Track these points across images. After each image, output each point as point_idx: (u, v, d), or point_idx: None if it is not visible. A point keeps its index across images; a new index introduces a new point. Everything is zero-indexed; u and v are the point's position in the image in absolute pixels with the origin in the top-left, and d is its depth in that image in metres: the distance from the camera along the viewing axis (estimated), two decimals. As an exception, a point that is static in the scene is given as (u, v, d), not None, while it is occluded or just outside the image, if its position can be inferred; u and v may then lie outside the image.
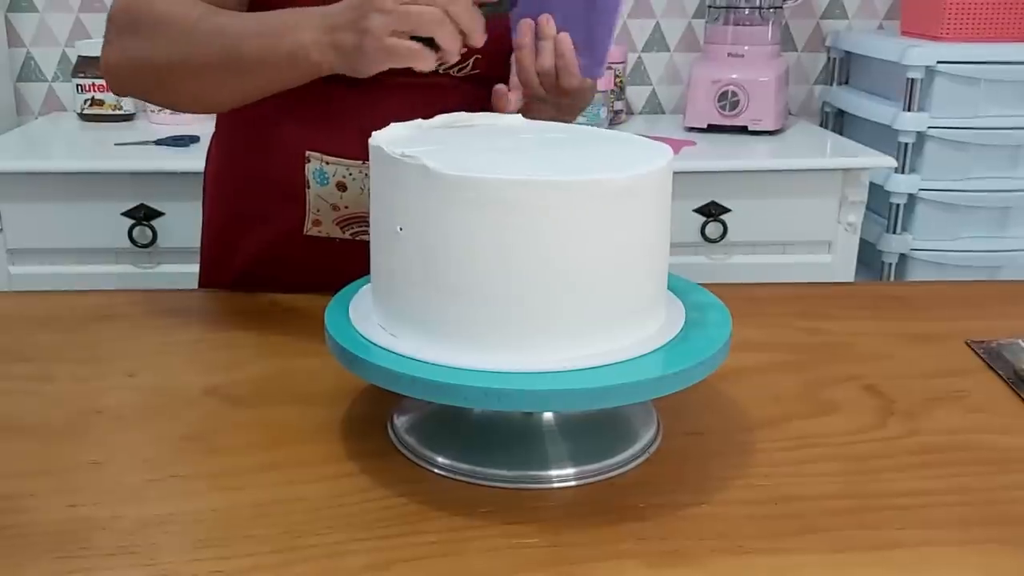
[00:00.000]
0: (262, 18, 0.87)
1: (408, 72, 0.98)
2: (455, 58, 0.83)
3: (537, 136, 0.79)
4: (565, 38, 0.93)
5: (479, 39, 0.83)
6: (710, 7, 2.09)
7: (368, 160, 0.98)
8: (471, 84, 1.01)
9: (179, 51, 0.88)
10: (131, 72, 0.93)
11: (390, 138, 0.72)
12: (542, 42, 0.93)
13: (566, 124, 0.87)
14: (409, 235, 0.67)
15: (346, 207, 1.01)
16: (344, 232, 1.02)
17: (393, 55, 0.81)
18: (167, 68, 0.90)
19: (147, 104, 1.95)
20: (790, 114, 2.26)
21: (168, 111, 1.94)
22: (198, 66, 0.88)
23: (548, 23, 0.93)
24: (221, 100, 0.94)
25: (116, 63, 0.93)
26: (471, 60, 1.00)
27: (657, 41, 2.27)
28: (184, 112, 1.02)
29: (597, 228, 0.64)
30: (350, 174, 1.00)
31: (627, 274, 0.67)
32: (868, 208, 1.91)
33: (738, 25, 2.03)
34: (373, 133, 0.72)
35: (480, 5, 0.84)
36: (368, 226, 1.01)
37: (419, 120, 0.78)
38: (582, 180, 0.64)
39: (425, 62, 0.82)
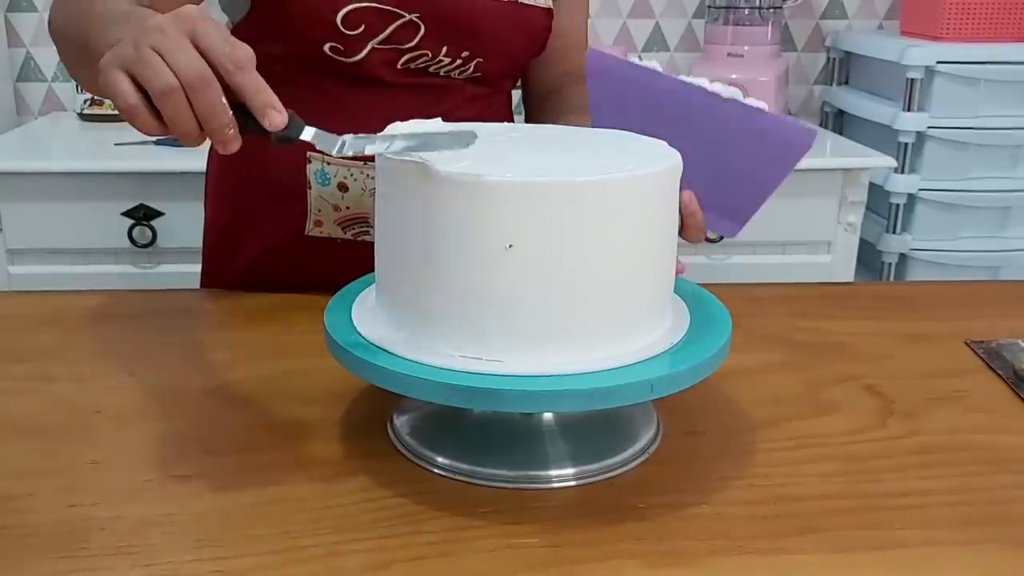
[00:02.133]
0: (119, 8, 0.76)
1: (410, 73, 0.98)
2: (188, 144, 0.64)
3: (543, 137, 0.78)
4: (692, 201, 0.80)
5: (219, 137, 0.63)
6: (710, 7, 2.09)
7: (369, 162, 0.99)
8: (473, 85, 1.02)
9: (65, 14, 0.83)
10: (51, 31, 0.88)
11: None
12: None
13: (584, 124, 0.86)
14: (413, 236, 0.67)
15: (347, 208, 1.01)
16: (346, 233, 1.02)
17: (107, 88, 0.64)
18: (56, 32, 0.86)
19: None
20: (790, 114, 2.26)
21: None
22: (66, 36, 0.82)
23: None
24: (80, 79, 0.86)
25: (50, 18, 0.88)
26: (473, 63, 0.99)
27: (657, 41, 2.27)
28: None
29: (604, 229, 0.64)
30: (351, 175, 1.00)
31: (633, 276, 0.67)
32: (868, 208, 1.91)
33: (738, 25, 2.03)
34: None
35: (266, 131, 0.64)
36: (369, 227, 1.02)
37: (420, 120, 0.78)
38: (588, 181, 0.64)
39: (139, 122, 0.63)
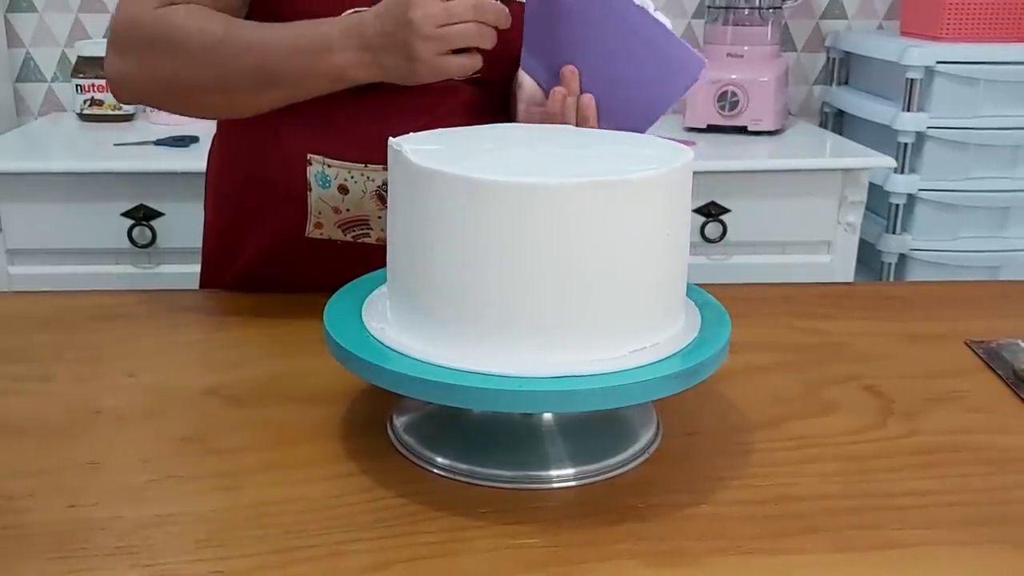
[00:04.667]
0: (292, 34, 0.89)
1: None
2: (491, 45, 0.87)
3: (553, 137, 0.79)
4: (590, 104, 0.90)
5: (507, 24, 0.87)
6: (709, 7, 2.09)
7: (369, 164, 0.99)
8: (474, 87, 1.01)
9: (207, 68, 0.89)
10: (148, 85, 0.93)
11: (409, 142, 0.72)
12: (564, 97, 0.90)
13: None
14: (417, 235, 0.67)
15: (348, 210, 1.01)
16: (346, 235, 1.02)
17: (446, 73, 0.87)
18: (193, 84, 0.91)
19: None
20: (790, 114, 2.26)
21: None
22: (228, 83, 0.90)
23: (573, 78, 0.90)
24: (250, 111, 0.96)
25: (129, 76, 0.93)
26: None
27: (657, 41, 2.27)
28: (200, 119, 1.04)
29: (611, 230, 0.64)
30: (352, 177, 0.99)
31: (636, 278, 0.66)
32: (867, 208, 1.91)
33: (738, 25, 2.03)
34: (391, 139, 0.71)
35: None
36: (370, 229, 1.02)
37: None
38: (598, 181, 0.64)
39: (473, 67, 0.88)
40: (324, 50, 0.87)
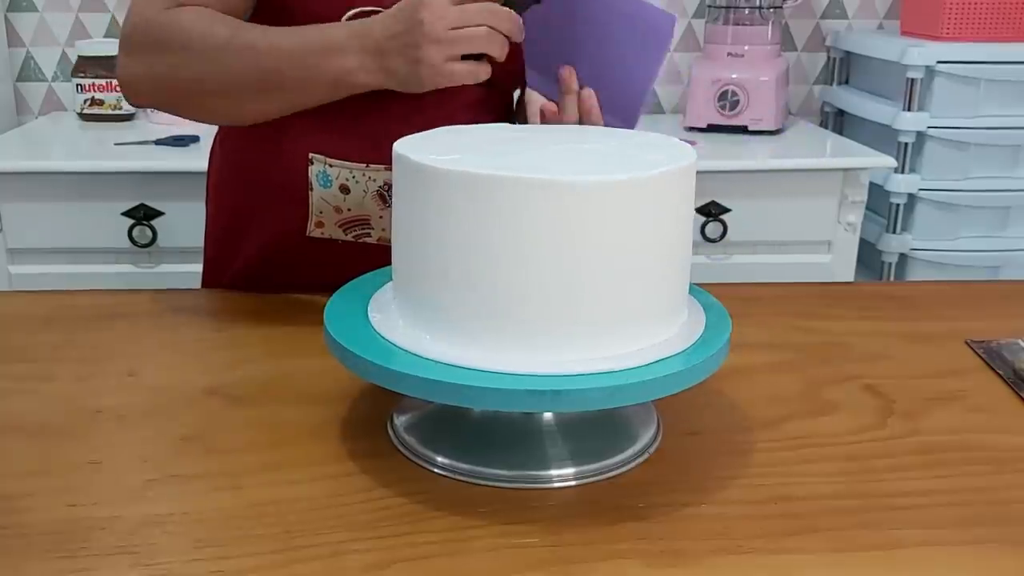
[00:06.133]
0: (298, 37, 0.87)
1: None
2: (503, 59, 0.84)
3: (558, 136, 0.78)
4: (590, 96, 0.89)
5: (520, 36, 0.84)
6: (710, 7, 2.09)
7: (371, 164, 0.99)
8: (476, 87, 1.01)
9: (212, 70, 0.88)
10: (156, 87, 0.93)
11: (413, 140, 0.72)
12: (566, 96, 0.90)
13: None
14: (417, 234, 0.67)
15: (349, 210, 1.01)
16: (347, 234, 1.02)
17: (453, 79, 0.83)
18: (198, 86, 0.90)
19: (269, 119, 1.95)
20: (790, 114, 2.26)
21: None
22: (233, 86, 0.89)
23: (571, 77, 0.90)
24: (255, 116, 0.94)
25: (139, 78, 0.93)
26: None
27: (657, 41, 2.27)
28: (208, 124, 1.03)
29: (617, 228, 0.64)
30: (353, 177, 1.00)
31: (637, 278, 0.66)
32: (868, 208, 1.91)
33: (738, 25, 2.03)
34: (396, 142, 0.72)
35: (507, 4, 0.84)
36: (371, 228, 1.02)
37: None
38: (603, 179, 0.64)
39: (483, 75, 0.84)
40: (330, 51, 0.85)
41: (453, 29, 0.81)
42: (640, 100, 0.88)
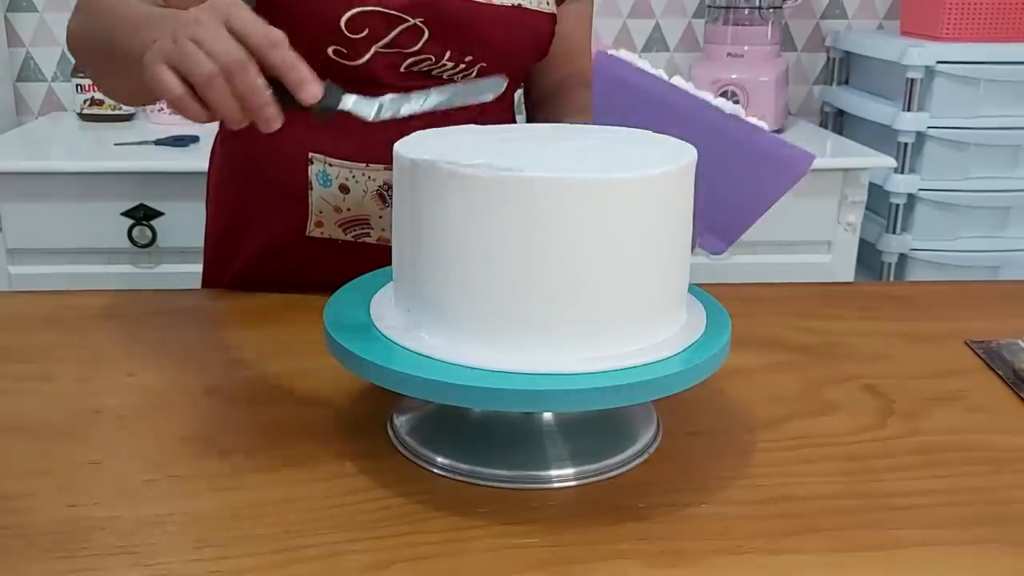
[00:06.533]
0: (136, 7, 0.78)
1: (413, 77, 0.98)
2: (232, 126, 0.69)
3: (558, 135, 0.78)
4: None
5: (261, 116, 0.67)
6: (710, 7, 2.09)
7: (371, 164, 0.99)
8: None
9: (89, 28, 0.85)
10: (73, 46, 0.91)
11: (413, 139, 0.72)
12: None
13: (586, 124, 0.86)
14: (416, 234, 0.67)
15: (348, 209, 1.01)
16: (346, 234, 1.02)
17: (153, 81, 0.67)
18: (83, 45, 0.88)
19: (147, 104, 1.95)
20: (790, 114, 2.26)
21: (168, 111, 1.94)
22: (90, 46, 0.85)
23: None
24: (111, 90, 0.90)
25: (69, 32, 0.91)
26: (476, 67, 0.99)
27: (657, 41, 2.27)
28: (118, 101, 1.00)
29: (618, 227, 0.64)
30: (353, 177, 1.00)
31: (637, 277, 0.66)
32: (868, 208, 1.91)
33: (738, 25, 2.03)
34: (396, 142, 0.71)
35: (305, 105, 0.69)
36: (370, 228, 1.02)
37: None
38: (603, 178, 0.64)
39: (188, 113, 0.68)
40: (143, 25, 0.73)
41: (193, 40, 0.65)
42: (744, 227, 0.81)
